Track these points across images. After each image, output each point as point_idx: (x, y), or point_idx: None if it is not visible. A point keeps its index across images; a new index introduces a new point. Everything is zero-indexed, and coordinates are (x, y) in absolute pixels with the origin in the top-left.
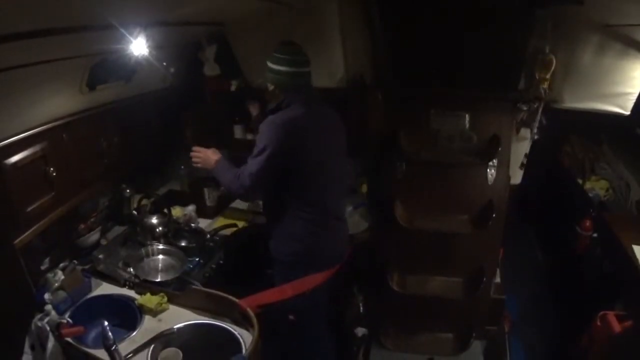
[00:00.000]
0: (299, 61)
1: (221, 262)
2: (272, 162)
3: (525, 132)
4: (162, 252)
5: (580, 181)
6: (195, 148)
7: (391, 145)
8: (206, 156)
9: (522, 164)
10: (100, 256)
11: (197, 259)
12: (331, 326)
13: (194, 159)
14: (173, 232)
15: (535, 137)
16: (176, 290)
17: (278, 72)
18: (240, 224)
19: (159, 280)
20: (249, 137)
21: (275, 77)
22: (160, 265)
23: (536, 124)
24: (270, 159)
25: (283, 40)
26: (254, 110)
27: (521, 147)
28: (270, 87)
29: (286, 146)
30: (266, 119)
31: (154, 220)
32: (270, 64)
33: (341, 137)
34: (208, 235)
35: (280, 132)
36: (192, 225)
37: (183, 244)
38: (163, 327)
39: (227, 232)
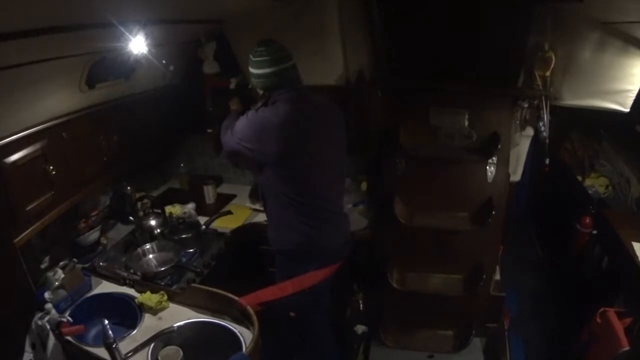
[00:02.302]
0: (279, 58)
1: (221, 252)
2: (244, 151)
3: (528, 130)
4: (159, 248)
5: (580, 178)
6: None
7: (391, 142)
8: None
9: (547, 165)
10: (102, 263)
11: (194, 249)
12: (331, 323)
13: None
14: (169, 229)
15: (546, 134)
16: (175, 281)
17: (262, 76)
18: (237, 213)
19: (157, 271)
20: None
21: (261, 82)
22: (157, 260)
23: (546, 122)
24: (242, 147)
25: (259, 41)
26: (233, 105)
27: (523, 145)
28: (260, 92)
29: (259, 146)
30: (250, 111)
31: (152, 222)
32: (252, 70)
33: (337, 130)
34: (203, 226)
35: (253, 132)
36: (186, 220)
37: (179, 236)
38: (163, 325)
39: (227, 229)
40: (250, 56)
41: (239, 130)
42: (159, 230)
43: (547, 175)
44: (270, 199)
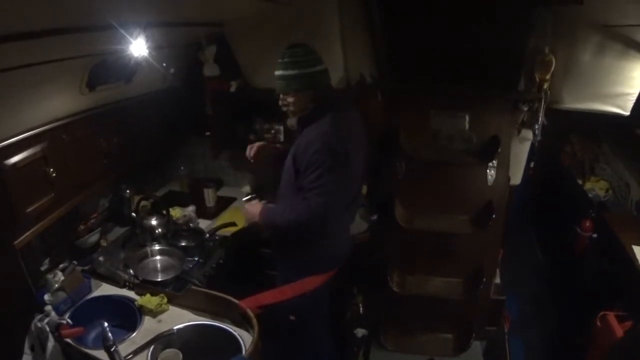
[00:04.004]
0: (319, 58)
1: (221, 261)
2: (340, 169)
3: (526, 133)
4: (161, 252)
5: (580, 181)
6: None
7: (391, 145)
8: (246, 212)
9: (531, 169)
10: (101, 258)
11: (197, 259)
12: (331, 327)
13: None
14: (172, 232)
15: (538, 138)
16: (175, 290)
17: (291, 77)
18: (240, 223)
19: (158, 280)
20: (250, 137)
21: (288, 84)
22: (159, 265)
23: (539, 125)
24: (338, 167)
25: (290, 44)
26: (260, 125)
27: (523, 148)
28: (290, 99)
29: (343, 152)
30: (314, 130)
31: (154, 222)
32: (281, 72)
33: (366, 143)
34: (207, 235)
35: (337, 139)
36: (191, 225)
37: (182, 243)
38: (163, 328)
39: (228, 232)
40: (279, 60)
41: (321, 160)
42: (159, 231)
43: (534, 178)
44: None
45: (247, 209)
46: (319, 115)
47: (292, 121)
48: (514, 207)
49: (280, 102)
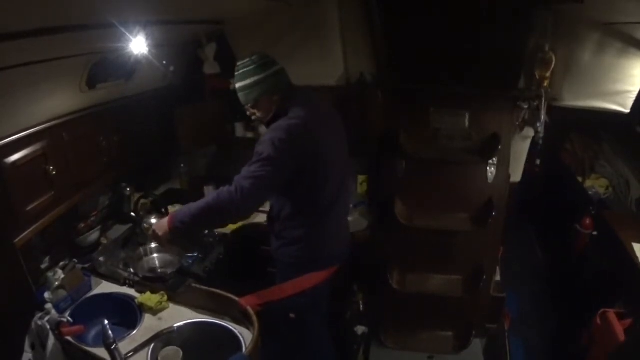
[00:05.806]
0: (265, 64)
1: (221, 257)
2: (279, 165)
3: (527, 131)
4: (161, 250)
5: (580, 179)
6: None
7: (391, 143)
8: (155, 229)
9: (537, 166)
10: (101, 258)
11: (196, 254)
12: (331, 324)
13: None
14: None
15: (541, 135)
16: (175, 287)
17: (250, 86)
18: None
19: (158, 276)
20: (249, 135)
21: (249, 93)
22: (158, 262)
23: (542, 123)
24: (277, 162)
25: (241, 57)
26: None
27: (523, 146)
28: (253, 109)
29: (296, 148)
30: (270, 127)
31: (153, 220)
32: (240, 84)
33: (344, 136)
34: (206, 231)
35: (287, 134)
36: None
37: (181, 240)
38: (163, 325)
39: (227, 230)
40: (235, 73)
41: (266, 146)
42: None
43: (537, 175)
44: (286, 212)
45: (154, 228)
46: (281, 114)
47: (263, 129)
48: (514, 205)
49: (248, 114)
